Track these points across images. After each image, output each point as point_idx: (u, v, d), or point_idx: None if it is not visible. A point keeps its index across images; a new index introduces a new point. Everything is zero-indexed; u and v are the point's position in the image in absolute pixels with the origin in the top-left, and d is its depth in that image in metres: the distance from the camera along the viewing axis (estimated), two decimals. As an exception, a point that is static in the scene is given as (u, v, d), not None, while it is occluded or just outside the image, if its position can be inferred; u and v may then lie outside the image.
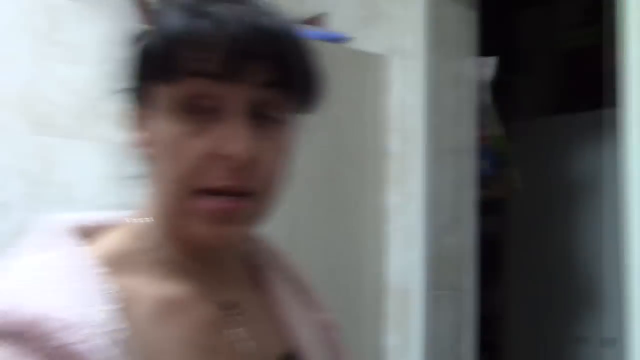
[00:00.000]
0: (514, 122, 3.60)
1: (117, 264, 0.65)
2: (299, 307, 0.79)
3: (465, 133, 2.30)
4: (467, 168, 2.30)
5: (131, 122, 0.69)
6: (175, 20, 0.62)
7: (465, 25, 2.34)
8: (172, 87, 0.62)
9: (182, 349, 0.63)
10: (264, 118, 0.64)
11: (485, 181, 2.46)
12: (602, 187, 3.02)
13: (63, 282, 0.58)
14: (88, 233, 0.69)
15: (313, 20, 2.73)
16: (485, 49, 2.44)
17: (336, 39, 2.38)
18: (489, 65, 2.48)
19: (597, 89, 2.86)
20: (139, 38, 0.67)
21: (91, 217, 0.72)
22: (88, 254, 0.63)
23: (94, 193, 2.43)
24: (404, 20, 2.30)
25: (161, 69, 0.63)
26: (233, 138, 0.61)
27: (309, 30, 2.41)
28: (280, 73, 0.63)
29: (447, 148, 2.25)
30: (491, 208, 3.36)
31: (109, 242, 0.68)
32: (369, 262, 2.21)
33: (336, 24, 2.63)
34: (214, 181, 0.62)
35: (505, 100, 3.37)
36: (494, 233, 3.84)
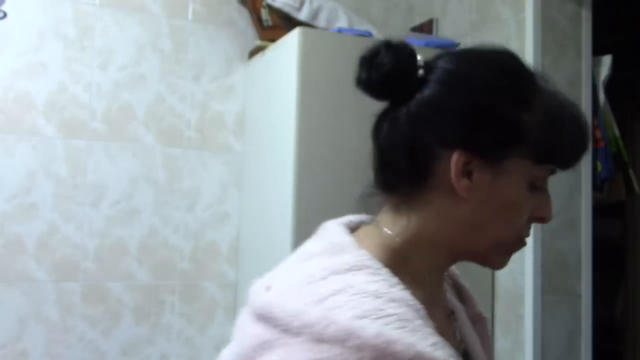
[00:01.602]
0: (634, 120, 3.46)
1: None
2: (459, 304, 0.89)
3: (580, 135, 2.25)
4: (582, 170, 2.25)
5: (455, 163, 0.73)
6: (560, 111, 0.77)
7: (578, 23, 2.29)
8: (539, 167, 0.76)
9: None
10: None
11: (602, 184, 2.40)
12: None
13: (413, 319, 0.65)
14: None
15: (422, 27, 2.77)
16: (605, 45, 2.36)
17: (445, 45, 2.40)
18: (604, 64, 2.41)
19: None
20: (505, 107, 0.75)
21: (348, 222, 0.82)
22: (395, 279, 0.70)
23: (216, 199, 2.61)
24: (513, 22, 2.29)
25: (541, 158, 0.75)
26: (548, 207, 0.78)
27: (418, 38, 2.45)
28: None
29: (559, 150, 2.21)
30: (611, 211, 3.25)
31: (374, 254, 0.74)
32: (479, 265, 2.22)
33: (446, 30, 2.65)
34: (529, 233, 0.79)
35: (624, 99, 3.25)
36: (615, 237, 3.70)
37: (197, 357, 2.52)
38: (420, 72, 0.75)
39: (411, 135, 0.75)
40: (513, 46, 2.29)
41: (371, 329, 0.61)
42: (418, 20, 2.83)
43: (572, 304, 2.21)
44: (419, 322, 0.65)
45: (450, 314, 0.85)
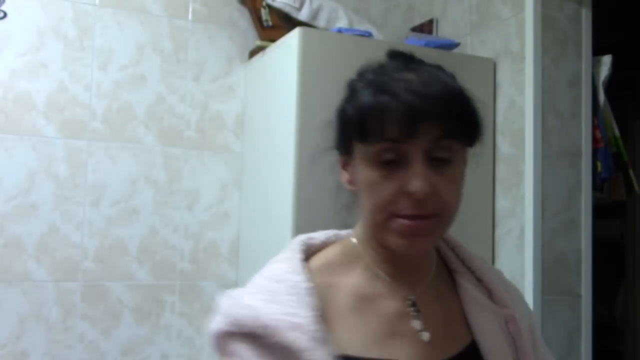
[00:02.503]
0: (634, 120, 3.46)
1: (328, 269, 0.91)
2: (483, 305, 0.95)
3: (580, 135, 2.26)
4: (582, 170, 2.25)
5: (339, 166, 0.95)
6: (364, 96, 0.85)
7: (578, 23, 2.29)
8: (366, 146, 0.84)
9: (373, 333, 0.86)
10: (438, 160, 0.84)
11: (602, 184, 2.40)
12: None
13: (284, 294, 0.85)
14: (315, 249, 0.96)
15: (422, 27, 2.77)
16: (605, 45, 2.36)
17: (446, 45, 2.40)
18: (604, 64, 2.41)
19: None
20: (340, 108, 0.92)
21: (328, 235, 0.99)
22: (305, 268, 0.90)
23: (216, 199, 2.61)
24: (513, 22, 2.29)
25: (357, 133, 0.85)
26: (414, 179, 0.81)
27: (418, 38, 2.45)
28: (447, 128, 0.82)
29: (560, 150, 2.22)
30: (611, 211, 3.25)
31: (327, 254, 0.95)
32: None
33: (446, 30, 2.65)
34: (403, 210, 0.83)
35: (624, 99, 3.25)
36: (615, 237, 3.70)
37: (197, 357, 2.53)
38: None
39: None
40: (513, 46, 2.29)
41: (232, 300, 0.89)
42: (418, 20, 2.83)
43: (572, 304, 2.21)
44: (288, 297, 0.83)
45: (413, 304, 0.91)
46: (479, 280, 0.99)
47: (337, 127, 0.92)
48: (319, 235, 0.99)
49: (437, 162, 0.84)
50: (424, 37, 2.50)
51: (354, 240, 0.95)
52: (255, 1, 2.59)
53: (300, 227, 2.05)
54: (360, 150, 0.86)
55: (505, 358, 0.91)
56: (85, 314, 2.36)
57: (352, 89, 0.90)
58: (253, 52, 2.58)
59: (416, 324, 0.89)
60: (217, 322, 0.90)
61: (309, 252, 0.95)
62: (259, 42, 2.53)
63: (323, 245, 0.97)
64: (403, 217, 0.83)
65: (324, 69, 2.13)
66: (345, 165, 0.93)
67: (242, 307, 0.85)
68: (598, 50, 2.39)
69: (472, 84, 0.91)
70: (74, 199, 2.37)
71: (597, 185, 2.36)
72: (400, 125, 0.81)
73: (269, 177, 2.31)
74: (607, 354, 3.35)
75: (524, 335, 0.95)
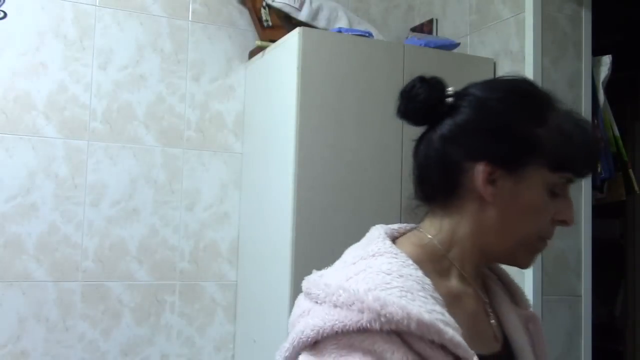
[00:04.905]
0: (634, 120, 3.46)
1: (420, 266, 0.86)
2: (509, 306, 0.99)
3: (579, 135, 2.25)
4: (582, 170, 2.25)
5: (483, 174, 0.88)
6: (566, 127, 0.88)
7: (578, 23, 2.30)
8: (554, 175, 0.87)
9: (468, 329, 0.84)
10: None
11: (602, 184, 2.40)
12: None
13: (417, 290, 0.80)
14: (393, 240, 0.93)
15: (422, 27, 2.77)
16: (605, 45, 2.36)
17: (446, 45, 2.40)
18: (604, 64, 2.41)
19: None
20: (519, 121, 0.89)
21: (393, 227, 0.96)
22: (410, 261, 0.85)
23: (216, 199, 2.61)
24: (513, 22, 2.29)
25: (553, 161, 0.87)
26: (569, 210, 0.90)
27: (418, 38, 2.45)
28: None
29: (559, 150, 2.21)
30: (611, 211, 3.25)
31: (412, 251, 0.90)
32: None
33: (446, 30, 2.66)
34: (550, 235, 0.90)
35: (624, 99, 3.25)
36: (615, 237, 3.70)
37: (197, 357, 2.53)
38: (450, 100, 0.90)
39: (442, 152, 0.90)
40: (513, 46, 2.29)
41: (372, 296, 0.76)
42: (418, 20, 2.83)
43: (572, 304, 2.21)
44: (421, 293, 0.79)
45: (487, 304, 0.97)
46: (504, 283, 1.04)
47: (508, 140, 0.88)
48: (398, 228, 0.96)
49: None
50: (424, 37, 2.50)
51: (435, 241, 0.92)
52: (255, 1, 2.59)
53: (300, 227, 2.05)
54: (539, 174, 0.88)
55: (529, 354, 0.96)
56: (85, 314, 2.36)
57: (540, 109, 0.90)
58: (253, 52, 2.58)
59: (494, 323, 0.95)
60: (359, 317, 0.76)
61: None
62: (259, 42, 2.53)
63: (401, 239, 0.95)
64: (544, 239, 0.90)
65: (324, 69, 2.13)
66: (494, 176, 0.88)
67: (396, 306, 0.76)
68: (598, 51, 2.39)
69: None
70: (74, 199, 2.37)
71: (597, 185, 2.36)
72: (589, 164, 0.92)
73: (269, 177, 2.31)
74: (607, 354, 3.35)
75: (541, 335, 1.00)
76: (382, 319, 0.74)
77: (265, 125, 2.40)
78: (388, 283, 0.79)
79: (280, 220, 2.16)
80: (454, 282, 0.91)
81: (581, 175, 0.90)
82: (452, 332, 0.77)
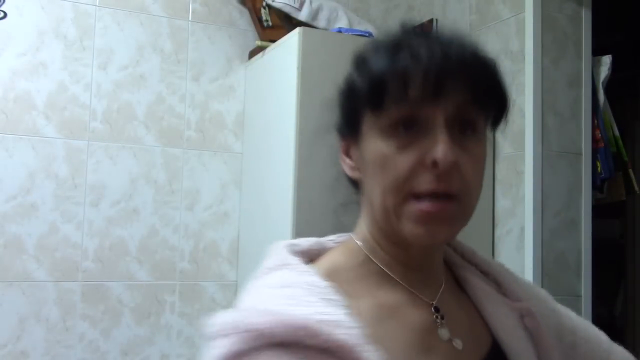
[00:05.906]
0: (634, 120, 3.46)
1: (337, 275, 0.77)
2: (495, 300, 0.85)
3: (580, 135, 2.26)
4: (582, 170, 2.25)
5: (341, 153, 0.83)
6: (377, 60, 0.74)
7: (578, 23, 2.29)
8: (380, 115, 0.73)
9: (402, 348, 0.73)
10: (461, 133, 0.73)
11: (602, 184, 2.40)
12: None
13: (304, 296, 0.69)
14: (311, 255, 0.82)
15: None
16: (605, 45, 2.36)
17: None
18: (604, 64, 2.41)
19: None
20: (345, 82, 0.81)
21: (310, 242, 0.86)
22: (314, 272, 0.74)
23: (216, 199, 2.61)
24: (513, 22, 2.29)
25: (370, 101, 0.74)
26: (437, 147, 0.70)
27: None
28: (472, 93, 0.72)
29: (560, 150, 2.22)
30: (611, 211, 3.25)
31: (330, 259, 0.81)
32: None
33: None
34: (422, 185, 0.71)
35: (624, 99, 3.25)
36: (615, 237, 3.70)
37: (197, 357, 2.52)
38: None
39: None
40: (513, 46, 2.29)
41: (258, 308, 0.68)
42: (418, 20, 2.83)
43: (572, 304, 2.20)
44: (312, 298, 0.68)
45: (437, 310, 0.80)
46: (485, 274, 0.89)
47: (341, 104, 0.82)
48: (302, 242, 0.84)
49: (461, 135, 0.73)
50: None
51: (359, 242, 0.81)
52: (255, 1, 2.59)
53: (300, 227, 2.05)
54: (371, 123, 0.75)
55: (528, 356, 0.81)
56: (85, 314, 2.36)
57: (360, 60, 0.79)
58: (253, 52, 2.58)
59: (445, 333, 0.77)
60: (226, 345, 0.68)
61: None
62: (259, 42, 2.53)
63: (308, 253, 0.83)
64: (421, 199, 0.71)
65: (323, 69, 2.13)
66: (348, 149, 0.82)
67: (262, 314, 0.67)
68: (598, 51, 2.39)
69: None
70: (74, 199, 2.37)
71: (597, 185, 2.36)
72: (424, 84, 0.70)
73: (269, 177, 2.31)
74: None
75: (543, 331, 0.85)
76: (259, 334, 0.64)
77: (265, 125, 2.40)
78: (269, 295, 0.71)
79: (280, 220, 2.16)
80: (383, 291, 0.77)
81: (422, 96, 0.70)
82: (344, 332, 0.65)
